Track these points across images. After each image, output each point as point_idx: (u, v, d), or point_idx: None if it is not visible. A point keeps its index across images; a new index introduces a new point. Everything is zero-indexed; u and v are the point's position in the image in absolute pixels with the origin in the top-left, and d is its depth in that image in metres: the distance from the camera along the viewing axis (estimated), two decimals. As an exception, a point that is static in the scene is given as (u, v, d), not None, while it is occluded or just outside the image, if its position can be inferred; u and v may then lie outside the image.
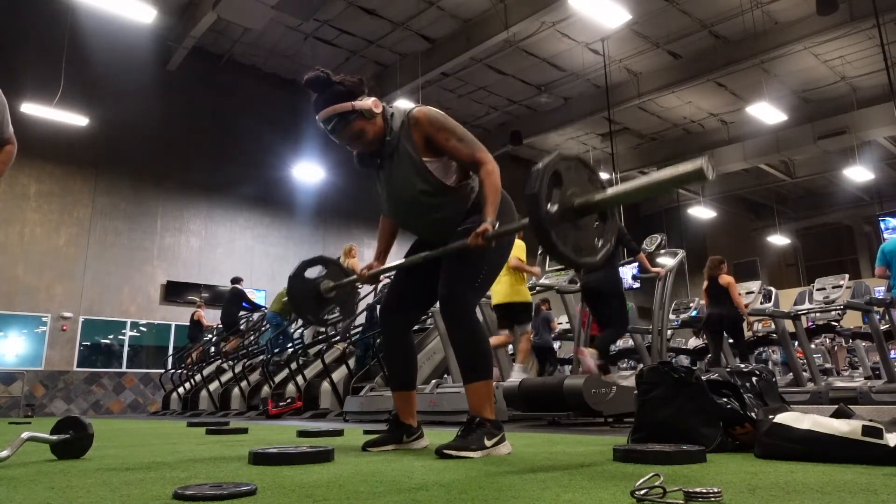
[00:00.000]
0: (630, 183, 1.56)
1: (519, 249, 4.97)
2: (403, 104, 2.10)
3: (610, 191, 1.57)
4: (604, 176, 16.84)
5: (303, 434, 3.16)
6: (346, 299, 2.43)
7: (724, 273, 6.32)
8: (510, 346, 5.92)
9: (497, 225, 1.88)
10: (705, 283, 6.39)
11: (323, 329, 7.72)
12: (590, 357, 4.60)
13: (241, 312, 10.45)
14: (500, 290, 5.06)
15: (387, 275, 2.36)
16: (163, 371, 11.30)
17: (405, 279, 2.23)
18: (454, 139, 1.99)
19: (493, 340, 4.93)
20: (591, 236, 1.62)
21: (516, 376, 4.81)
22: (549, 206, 1.50)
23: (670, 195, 20.42)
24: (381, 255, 2.30)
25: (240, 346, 9.46)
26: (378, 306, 5.03)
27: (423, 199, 2.02)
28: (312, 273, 2.41)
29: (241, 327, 10.20)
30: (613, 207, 1.65)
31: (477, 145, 2.02)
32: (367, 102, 1.98)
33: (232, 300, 10.21)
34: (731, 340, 6.46)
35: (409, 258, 2.10)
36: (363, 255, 13.73)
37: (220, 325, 10.49)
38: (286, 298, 8.66)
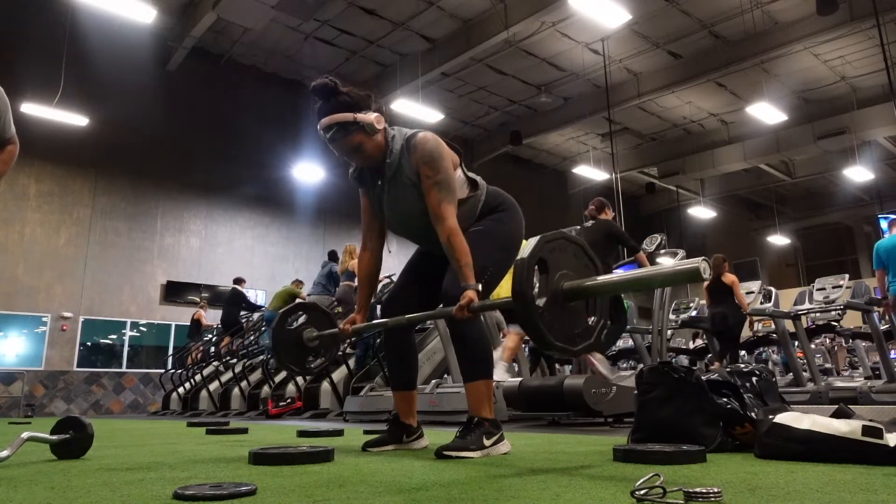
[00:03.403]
0: (624, 274, 1.55)
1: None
2: (404, 130, 2.07)
3: (600, 279, 1.55)
4: (603, 175, 16.93)
5: (303, 434, 3.16)
6: (330, 346, 2.41)
7: (727, 272, 6.33)
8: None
9: (484, 283, 1.89)
10: (707, 281, 6.40)
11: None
12: (598, 363, 4.56)
13: (242, 313, 10.45)
14: (507, 285, 4.96)
15: (387, 275, 2.34)
16: (163, 371, 11.30)
17: (409, 278, 2.23)
18: (431, 180, 1.96)
19: (509, 342, 4.85)
20: (582, 315, 1.59)
21: (499, 376, 4.73)
22: (537, 300, 1.45)
23: (670, 195, 20.41)
24: (363, 308, 2.21)
25: (231, 345, 9.44)
26: (379, 305, 5.02)
27: (428, 220, 2.00)
28: (294, 321, 2.35)
29: (242, 327, 10.19)
30: (603, 295, 1.62)
31: (448, 198, 1.96)
32: (370, 117, 1.95)
33: (232, 300, 10.22)
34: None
35: (393, 319, 2.03)
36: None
37: (220, 325, 10.49)
38: (284, 296, 8.70)
